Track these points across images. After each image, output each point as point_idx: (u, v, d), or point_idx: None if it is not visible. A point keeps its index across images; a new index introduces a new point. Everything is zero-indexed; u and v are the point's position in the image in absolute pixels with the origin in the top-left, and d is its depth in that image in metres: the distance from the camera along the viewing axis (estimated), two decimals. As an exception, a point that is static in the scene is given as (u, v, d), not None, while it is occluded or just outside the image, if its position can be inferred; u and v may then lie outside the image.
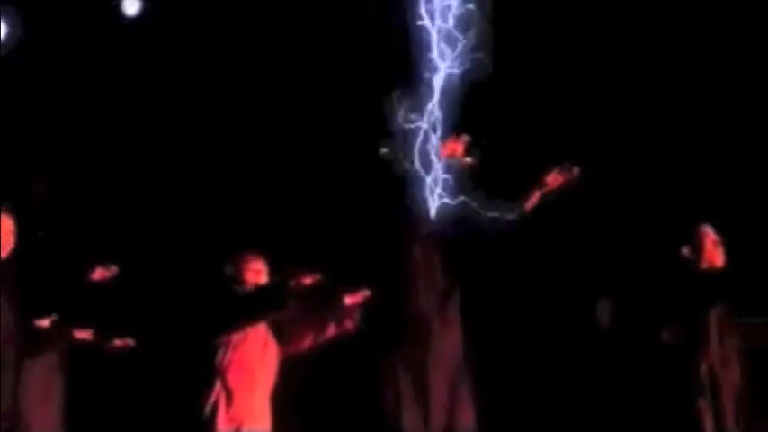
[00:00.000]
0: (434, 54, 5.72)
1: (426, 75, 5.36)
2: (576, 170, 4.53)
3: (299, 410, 6.05)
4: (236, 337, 5.00)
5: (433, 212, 4.99)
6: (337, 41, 7.62)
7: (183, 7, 8.09)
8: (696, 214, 6.22)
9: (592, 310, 6.89)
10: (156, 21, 8.17)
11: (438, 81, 5.39)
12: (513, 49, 6.79)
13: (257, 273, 5.16)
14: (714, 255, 5.86)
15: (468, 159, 4.96)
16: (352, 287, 4.93)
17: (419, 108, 5.28)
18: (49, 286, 5.13)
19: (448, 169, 5.07)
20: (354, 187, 6.27)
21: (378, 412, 4.45)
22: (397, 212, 4.82)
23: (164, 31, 8.15)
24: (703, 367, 5.77)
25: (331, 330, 5.12)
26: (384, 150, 4.91)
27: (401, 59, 5.97)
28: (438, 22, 5.51)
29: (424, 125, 5.29)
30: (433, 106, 5.39)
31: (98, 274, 5.13)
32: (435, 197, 5.63)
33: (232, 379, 5.00)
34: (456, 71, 5.28)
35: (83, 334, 5.95)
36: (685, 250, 5.88)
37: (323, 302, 5.07)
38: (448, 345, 4.40)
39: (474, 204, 4.77)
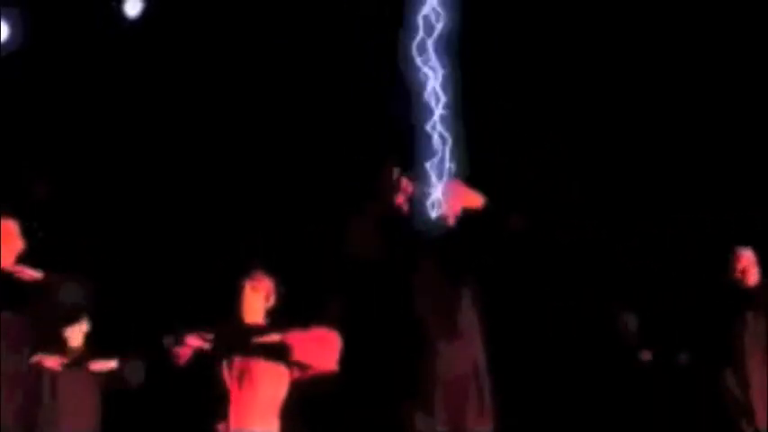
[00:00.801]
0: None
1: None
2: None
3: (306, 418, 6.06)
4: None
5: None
6: (337, 41, 7.62)
7: (184, 9, 8.08)
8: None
9: (617, 322, 6.96)
10: (157, 22, 8.16)
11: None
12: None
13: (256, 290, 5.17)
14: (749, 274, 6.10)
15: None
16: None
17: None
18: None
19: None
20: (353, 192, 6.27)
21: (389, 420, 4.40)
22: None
23: (165, 32, 8.13)
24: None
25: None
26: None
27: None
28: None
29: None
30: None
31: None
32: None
33: (234, 386, 5.00)
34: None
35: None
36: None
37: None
38: (458, 356, 4.28)
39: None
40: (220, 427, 4.99)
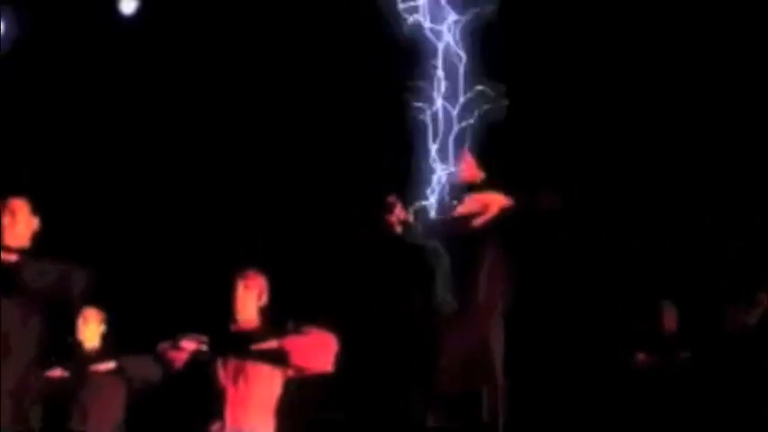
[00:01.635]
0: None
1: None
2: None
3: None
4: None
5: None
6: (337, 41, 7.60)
7: (179, 6, 8.06)
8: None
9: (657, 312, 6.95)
10: (152, 19, 8.14)
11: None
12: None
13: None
14: None
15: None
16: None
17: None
18: None
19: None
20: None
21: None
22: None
23: (160, 29, 8.11)
24: None
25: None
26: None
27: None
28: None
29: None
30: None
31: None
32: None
33: (229, 385, 4.98)
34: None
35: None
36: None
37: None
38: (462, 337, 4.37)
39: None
40: (216, 426, 4.99)
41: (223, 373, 4.99)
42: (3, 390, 4.48)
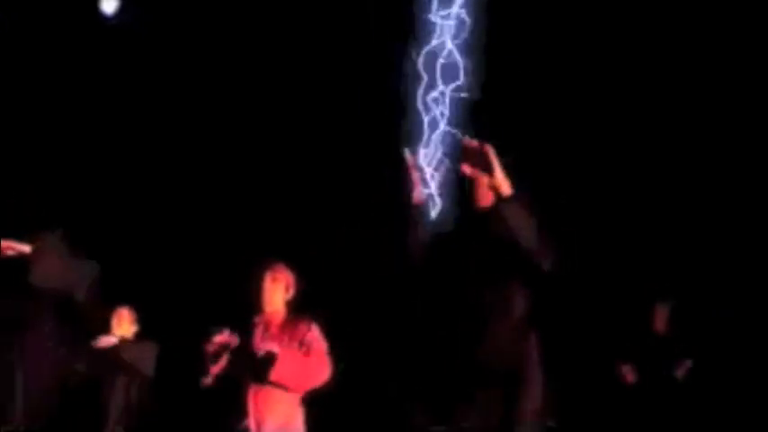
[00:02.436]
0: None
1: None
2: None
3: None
4: None
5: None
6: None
7: (161, 6, 8.05)
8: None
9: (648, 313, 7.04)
10: (134, 19, 8.11)
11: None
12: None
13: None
14: None
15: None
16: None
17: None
18: None
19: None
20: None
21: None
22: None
23: (142, 29, 8.09)
24: None
25: None
26: None
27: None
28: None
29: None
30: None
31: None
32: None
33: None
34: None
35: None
36: None
37: None
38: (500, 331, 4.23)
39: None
40: (242, 421, 5.06)
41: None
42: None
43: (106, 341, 6.08)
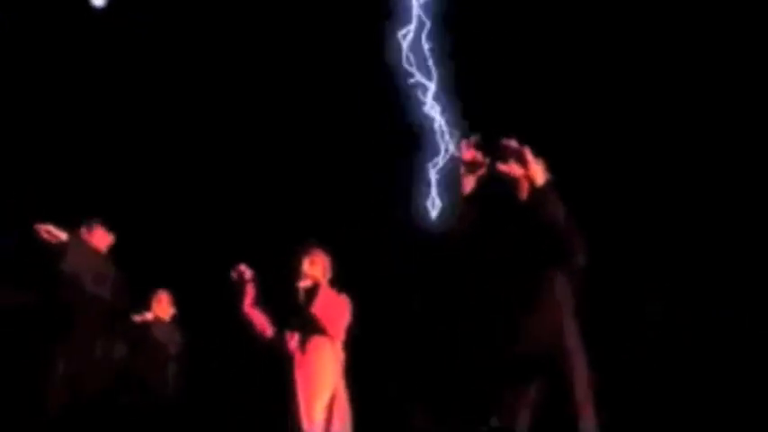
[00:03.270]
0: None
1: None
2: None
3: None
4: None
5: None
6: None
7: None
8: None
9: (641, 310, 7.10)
10: (123, 12, 8.19)
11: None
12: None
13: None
14: None
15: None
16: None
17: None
18: None
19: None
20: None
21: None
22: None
23: (131, 22, 8.17)
24: None
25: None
26: None
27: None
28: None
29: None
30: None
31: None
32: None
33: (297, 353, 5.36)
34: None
35: None
36: None
37: None
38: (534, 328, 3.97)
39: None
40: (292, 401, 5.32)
41: (291, 343, 5.38)
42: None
43: (142, 317, 6.42)
